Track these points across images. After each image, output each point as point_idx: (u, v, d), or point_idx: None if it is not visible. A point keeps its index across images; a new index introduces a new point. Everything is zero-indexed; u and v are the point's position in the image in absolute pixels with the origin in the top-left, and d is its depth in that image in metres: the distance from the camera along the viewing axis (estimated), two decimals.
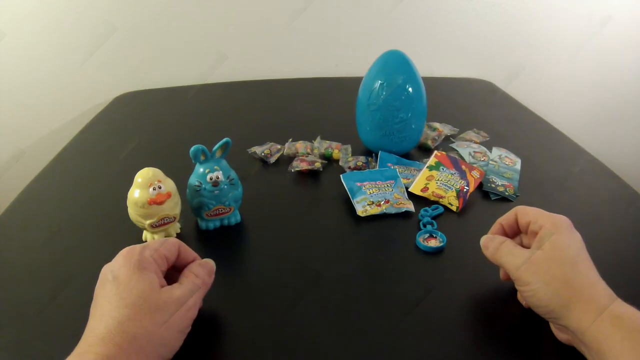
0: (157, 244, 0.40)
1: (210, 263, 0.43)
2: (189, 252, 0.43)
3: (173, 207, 0.52)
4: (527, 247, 0.41)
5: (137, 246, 0.39)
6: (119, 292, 0.35)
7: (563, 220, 0.40)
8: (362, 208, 0.58)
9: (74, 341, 0.34)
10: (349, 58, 1.11)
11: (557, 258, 0.38)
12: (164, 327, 0.35)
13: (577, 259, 0.38)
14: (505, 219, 0.45)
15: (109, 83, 1.05)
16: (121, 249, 0.39)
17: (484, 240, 0.44)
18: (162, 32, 1.03)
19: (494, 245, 0.42)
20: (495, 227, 0.45)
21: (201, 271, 0.41)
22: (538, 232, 0.40)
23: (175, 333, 0.37)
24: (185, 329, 0.38)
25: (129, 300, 0.34)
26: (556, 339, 0.40)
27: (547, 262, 0.38)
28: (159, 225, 0.51)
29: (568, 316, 0.36)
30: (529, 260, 0.38)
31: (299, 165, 0.68)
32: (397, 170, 0.66)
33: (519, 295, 0.44)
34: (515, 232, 0.45)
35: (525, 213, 0.42)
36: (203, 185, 0.52)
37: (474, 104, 0.98)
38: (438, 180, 0.63)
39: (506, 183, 0.64)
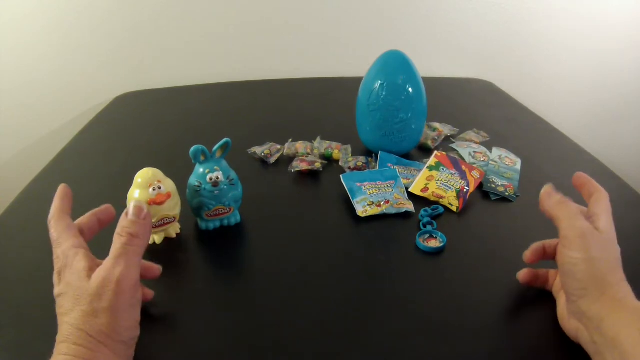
0: (59, 230, 0.40)
1: (135, 207, 0.38)
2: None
3: (173, 207, 0.52)
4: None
5: (56, 249, 0.39)
6: (65, 300, 0.36)
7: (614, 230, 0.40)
8: (362, 208, 0.58)
9: None
10: (349, 58, 1.11)
11: (609, 247, 0.38)
12: (109, 310, 0.34)
13: (618, 255, 0.39)
14: (583, 187, 0.43)
15: (109, 83, 1.05)
16: None
17: (548, 188, 0.43)
18: (162, 32, 1.03)
19: (557, 198, 0.41)
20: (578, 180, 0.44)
21: (123, 223, 0.37)
22: (590, 217, 0.40)
23: (124, 309, 0.35)
24: (131, 298, 0.36)
25: (70, 304, 0.35)
26: (556, 340, 0.40)
27: (603, 243, 0.38)
28: (159, 225, 0.51)
29: (594, 300, 0.36)
30: (588, 232, 0.38)
31: (299, 165, 0.68)
32: (397, 170, 0.66)
33: (520, 274, 0.45)
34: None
35: (598, 201, 0.41)
36: (203, 186, 0.52)
37: (474, 104, 0.98)
38: (438, 180, 0.63)
39: (506, 183, 0.64)
